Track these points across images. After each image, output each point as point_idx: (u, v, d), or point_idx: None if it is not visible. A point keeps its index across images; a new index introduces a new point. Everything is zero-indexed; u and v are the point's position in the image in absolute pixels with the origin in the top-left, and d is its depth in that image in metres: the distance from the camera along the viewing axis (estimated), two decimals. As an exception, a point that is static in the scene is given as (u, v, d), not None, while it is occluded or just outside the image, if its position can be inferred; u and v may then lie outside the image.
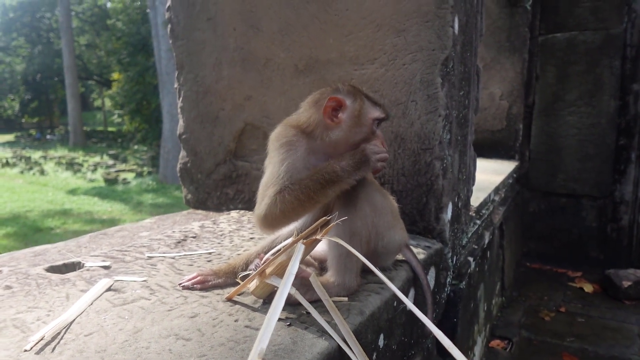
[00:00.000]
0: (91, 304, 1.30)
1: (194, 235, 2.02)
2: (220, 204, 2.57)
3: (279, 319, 1.23)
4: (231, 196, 2.52)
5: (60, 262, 1.65)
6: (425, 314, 1.63)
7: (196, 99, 2.54)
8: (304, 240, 1.20)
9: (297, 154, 1.40)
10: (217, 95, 2.47)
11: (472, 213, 2.66)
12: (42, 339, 1.09)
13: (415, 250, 1.83)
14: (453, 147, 2.04)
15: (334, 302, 1.37)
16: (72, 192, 13.75)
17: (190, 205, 2.68)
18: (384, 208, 1.49)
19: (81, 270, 1.58)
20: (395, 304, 1.51)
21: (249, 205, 2.46)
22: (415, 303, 1.69)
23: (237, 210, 2.47)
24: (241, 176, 2.48)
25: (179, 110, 2.64)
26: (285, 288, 0.99)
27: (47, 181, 15.60)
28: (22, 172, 17.34)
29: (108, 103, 33.32)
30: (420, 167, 1.99)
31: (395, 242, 1.54)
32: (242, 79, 2.39)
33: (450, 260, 2.14)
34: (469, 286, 2.70)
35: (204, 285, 1.42)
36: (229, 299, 1.35)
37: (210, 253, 1.79)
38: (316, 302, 1.33)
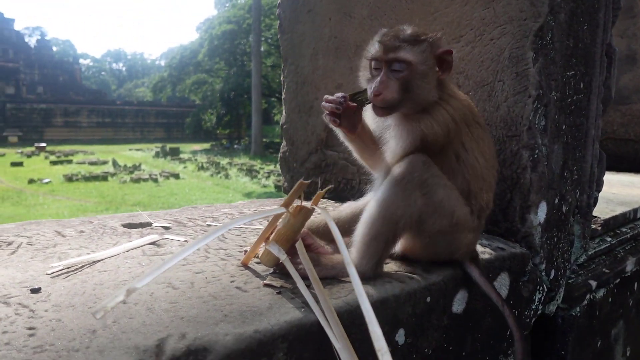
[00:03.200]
0: (127, 251, 1.43)
1: (264, 215, 2.07)
2: (310, 193, 2.58)
3: (272, 286, 1.18)
4: (319, 186, 2.51)
5: (137, 222, 1.85)
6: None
7: (296, 90, 2.62)
8: (290, 209, 1.18)
9: None
10: (312, 85, 2.51)
11: (596, 226, 2.16)
12: (62, 269, 1.23)
13: (481, 249, 1.56)
14: (550, 136, 1.70)
15: (342, 281, 1.25)
16: (247, 195, 15.52)
17: (285, 193, 2.76)
18: (444, 209, 1.28)
19: (145, 228, 1.74)
20: (429, 300, 1.31)
21: (333, 195, 2.42)
22: (467, 308, 1.43)
23: (321, 200, 2.45)
24: (329, 166, 2.46)
25: (282, 101, 2.76)
26: (197, 243, 0.97)
27: (229, 184, 17.94)
28: (212, 175, 20.28)
29: (285, 118, 36.74)
30: (505, 157, 1.71)
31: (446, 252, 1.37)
32: (334, 68, 2.38)
33: (544, 274, 1.77)
34: (591, 317, 2.19)
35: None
36: (244, 264, 1.34)
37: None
38: (325, 280, 1.24)
